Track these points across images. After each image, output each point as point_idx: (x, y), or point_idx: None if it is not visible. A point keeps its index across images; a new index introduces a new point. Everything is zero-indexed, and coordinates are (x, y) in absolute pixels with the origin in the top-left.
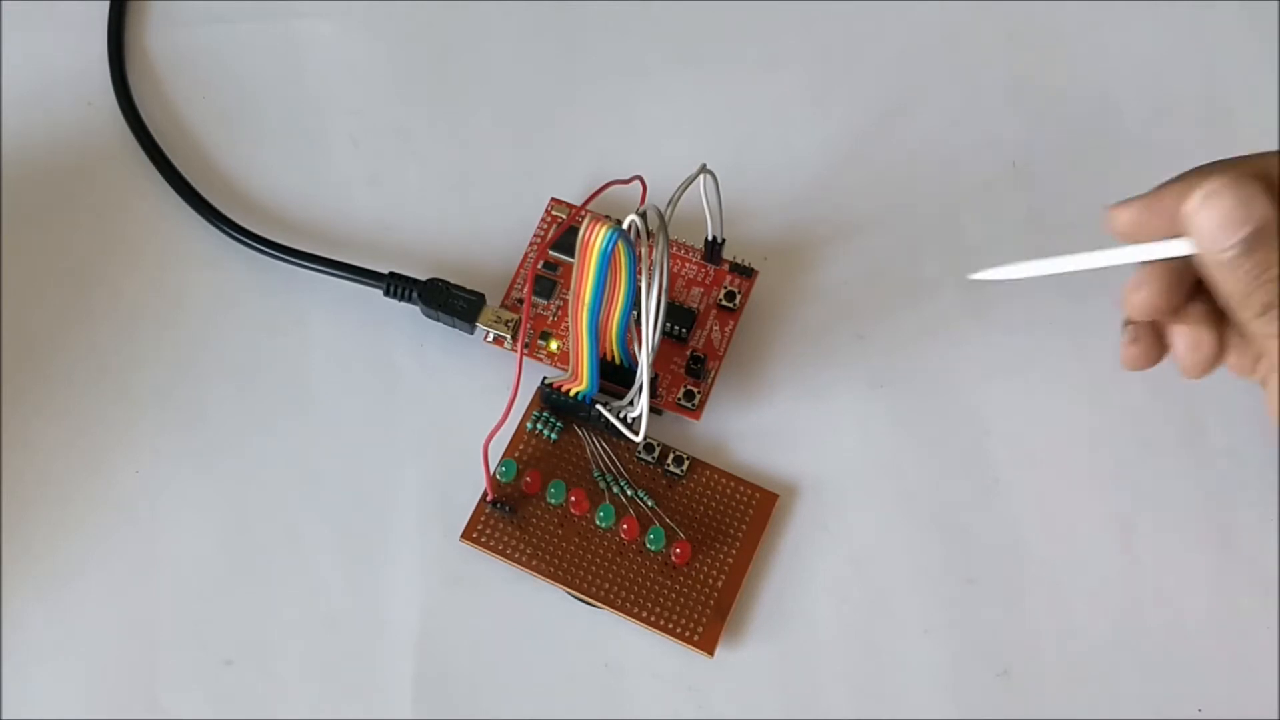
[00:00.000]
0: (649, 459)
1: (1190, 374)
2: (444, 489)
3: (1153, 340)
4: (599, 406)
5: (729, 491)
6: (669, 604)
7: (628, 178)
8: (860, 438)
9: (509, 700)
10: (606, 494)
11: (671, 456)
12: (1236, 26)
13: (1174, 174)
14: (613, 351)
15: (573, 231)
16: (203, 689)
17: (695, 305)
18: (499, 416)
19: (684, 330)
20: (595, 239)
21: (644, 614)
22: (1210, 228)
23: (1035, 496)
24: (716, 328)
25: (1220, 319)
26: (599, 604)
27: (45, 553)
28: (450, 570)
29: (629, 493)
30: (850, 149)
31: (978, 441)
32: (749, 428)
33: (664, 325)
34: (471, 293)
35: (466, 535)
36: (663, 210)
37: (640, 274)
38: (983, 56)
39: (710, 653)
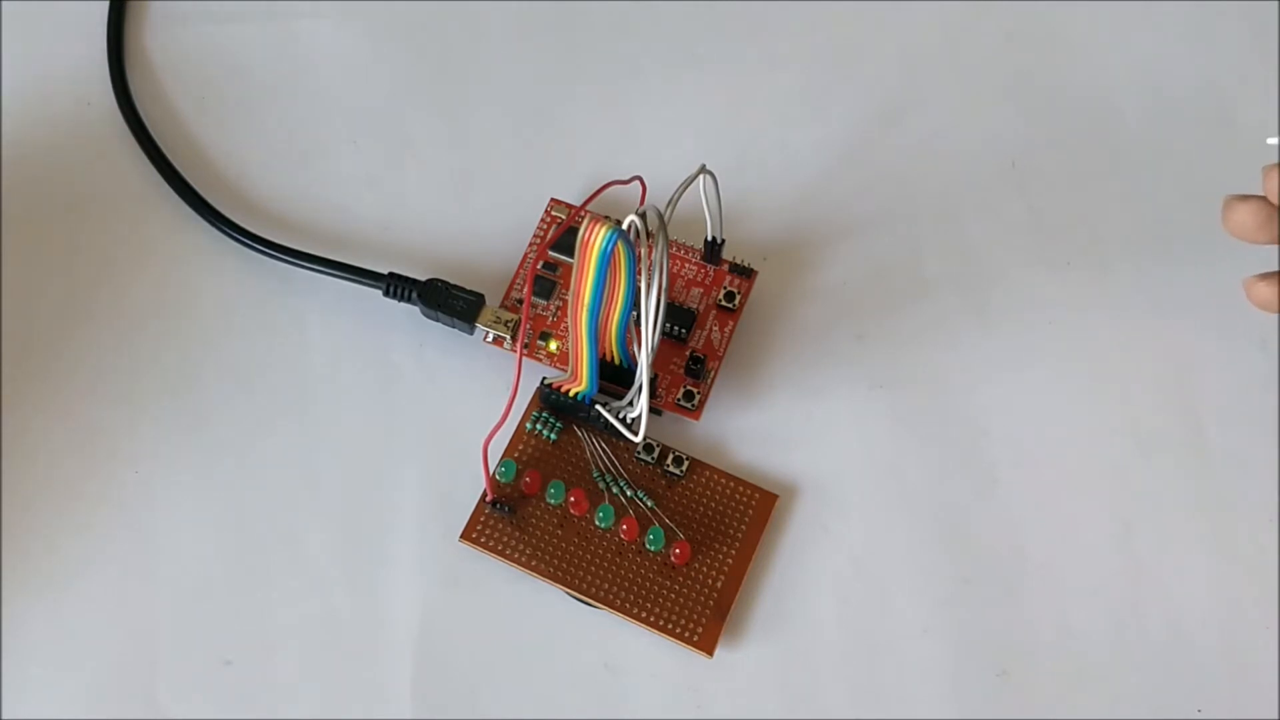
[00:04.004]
0: (648, 459)
1: None
2: (443, 489)
3: None
4: (598, 407)
5: (728, 492)
6: (668, 604)
7: (627, 178)
8: (860, 438)
9: (508, 700)
10: (606, 494)
11: (671, 457)
12: (1236, 26)
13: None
14: (612, 352)
15: (572, 232)
16: (203, 689)
17: (695, 305)
18: (498, 417)
19: (683, 330)
20: (595, 239)
21: (644, 614)
22: None
23: (1035, 496)
24: (716, 328)
25: None
26: (599, 604)
27: (45, 553)
28: (450, 570)
29: (628, 493)
30: (850, 149)
31: (977, 441)
32: (749, 428)
33: (663, 325)
34: (471, 293)
35: (466, 535)
36: (662, 210)
37: (640, 274)
38: (983, 56)
39: (710, 653)
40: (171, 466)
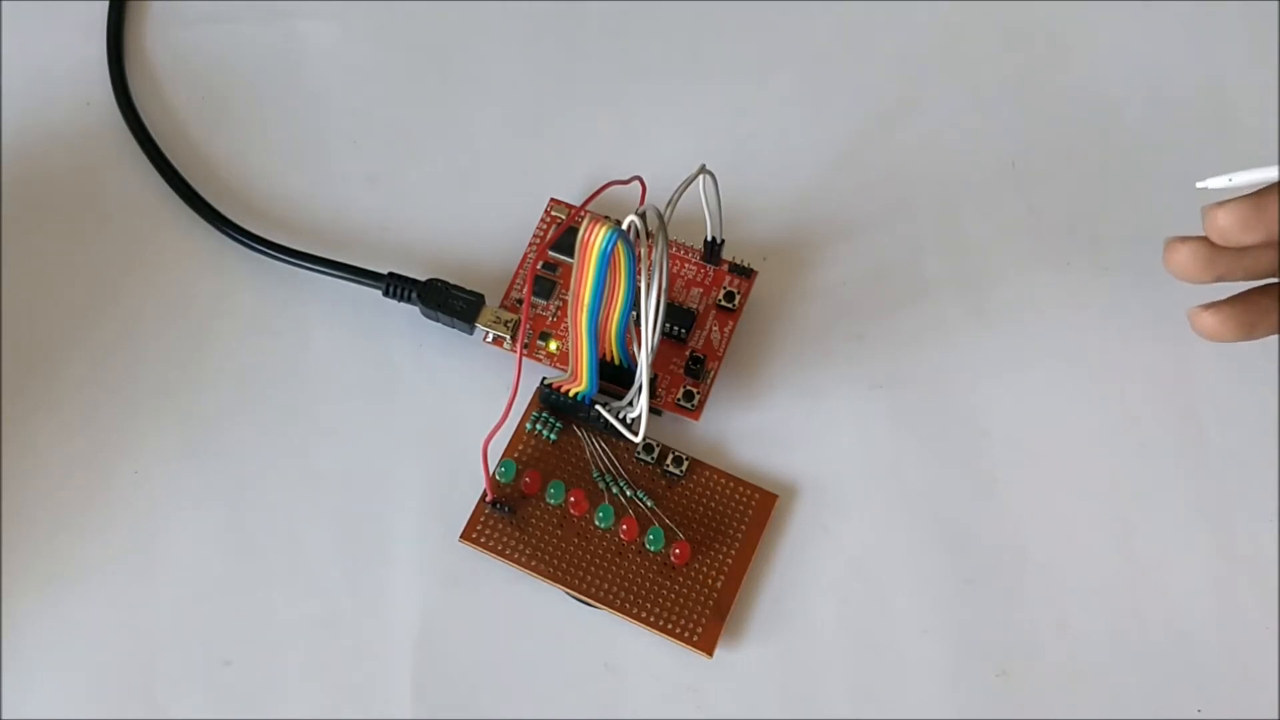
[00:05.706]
0: (648, 459)
1: None
2: (443, 489)
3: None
4: (598, 407)
5: (728, 492)
6: (668, 604)
7: (627, 178)
8: (860, 438)
9: (508, 700)
10: (606, 494)
11: (671, 457)
12: (1236, 26)
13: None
14: (612, 352)
15: (572, 232)
16: (202, 689)
17: (695, 305)
18: (498, 417)
19: (683, 331)
20: (595, 239)
21: (643, 614)
22: None
23: (1035, 496)
24: (716, 328)
25: None
26: (598, 604)
27: (45, 553)
28: (450, 570)
29: (628, 493)
30: (850, 149)
31: (977, 441)
32: (748, 428)
33: (663, 326)
34: (471, 293)
35: (466, 536)
36: (662, 211)
37: (640, 274)
38: (983, 56)
39: (709, 653)
40: (171, 466)
